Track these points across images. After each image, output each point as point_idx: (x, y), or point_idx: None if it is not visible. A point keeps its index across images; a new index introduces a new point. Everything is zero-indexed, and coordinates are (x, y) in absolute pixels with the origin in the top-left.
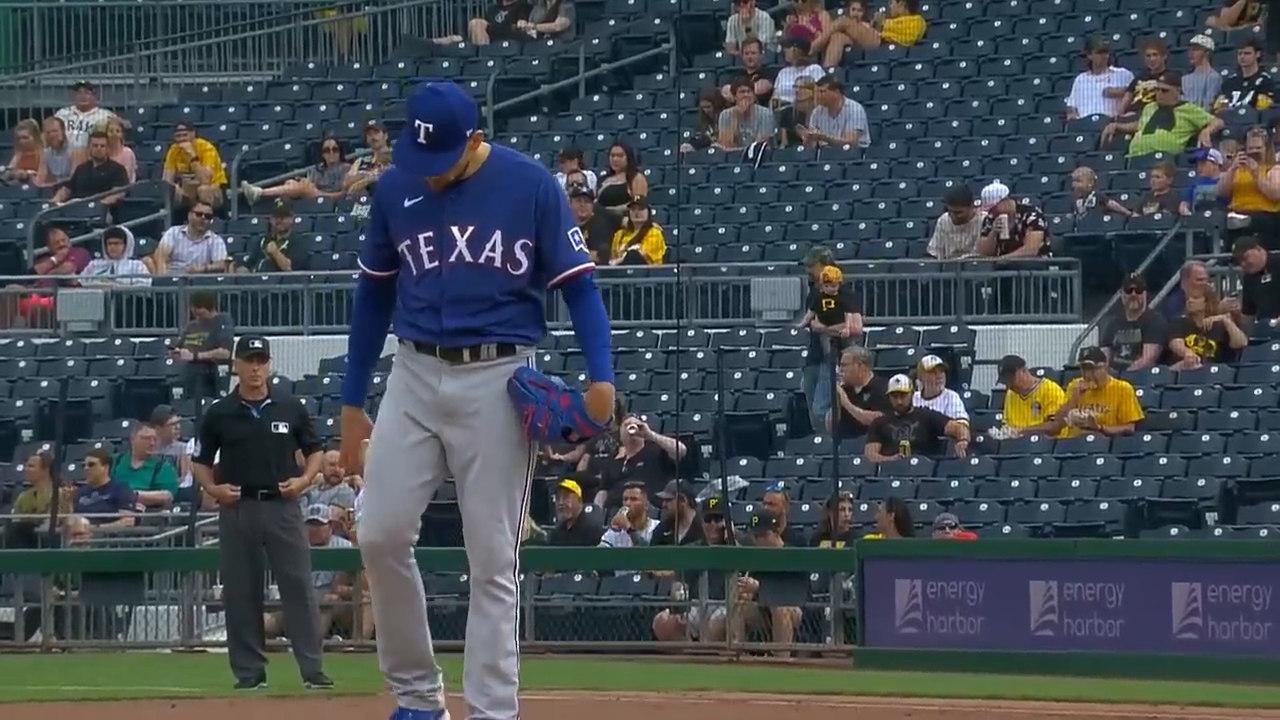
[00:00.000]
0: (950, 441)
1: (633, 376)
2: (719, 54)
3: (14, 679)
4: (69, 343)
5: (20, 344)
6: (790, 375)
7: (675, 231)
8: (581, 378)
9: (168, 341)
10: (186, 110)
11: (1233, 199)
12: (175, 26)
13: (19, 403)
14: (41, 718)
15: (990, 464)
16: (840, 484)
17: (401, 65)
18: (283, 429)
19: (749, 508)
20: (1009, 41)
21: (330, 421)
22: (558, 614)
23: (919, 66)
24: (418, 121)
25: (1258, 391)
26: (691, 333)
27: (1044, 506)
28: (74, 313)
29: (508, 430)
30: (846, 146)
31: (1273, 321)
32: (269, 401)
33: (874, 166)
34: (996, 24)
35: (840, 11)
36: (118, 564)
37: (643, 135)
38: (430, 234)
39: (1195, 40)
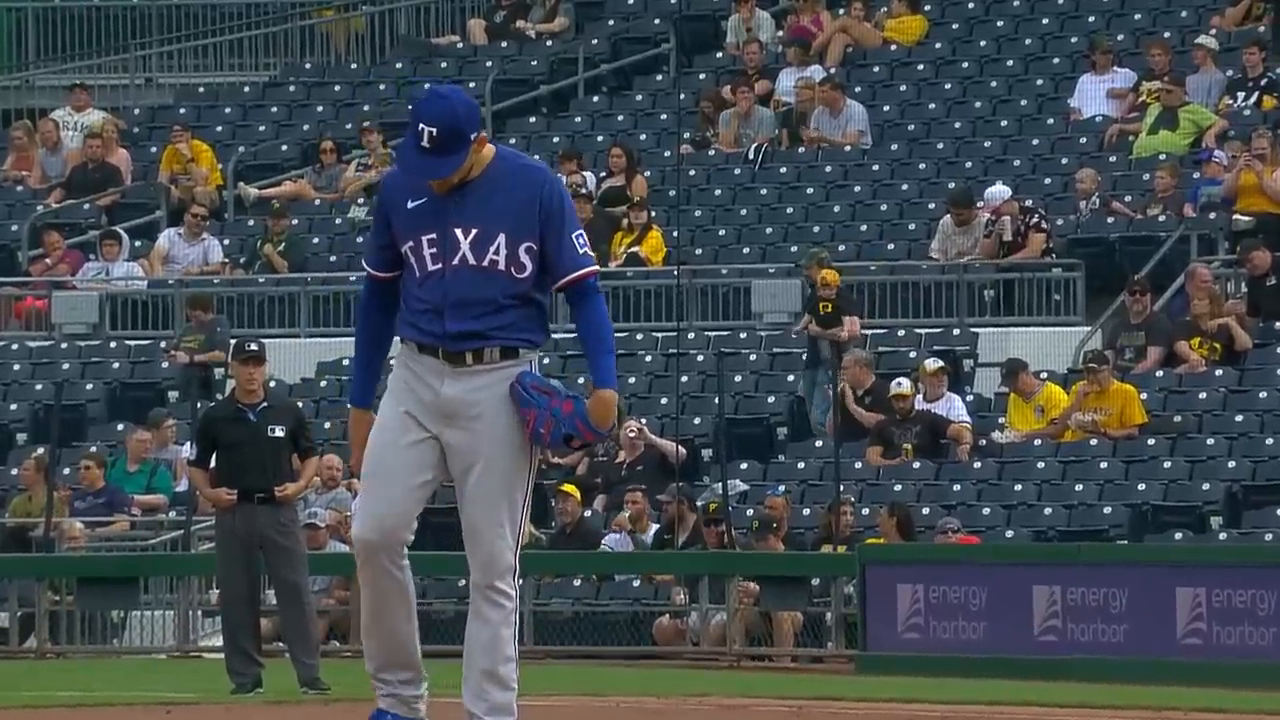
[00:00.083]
0: (952, 445)
1: (632, 379)
2: (719, 54)
3: (8, 685)
4: (64, 345)
5: (15, 347)
6: (791, 378)
7: (675, 233)
8: (580, 381)
9: (163, 344)
10: (182, 111)
11: (1237, 200)
12: (171, 26)
13: (13, 406)
14: None
15: (993, 468)
16: (841, 488)
17: (399, 65)
18: (279, 432)
19: (749, 512)
20: (1012, 41)
21: (327, 425)
22: (557, 619)
23: (921, 67)
24: (421, 125)
25: (1263, 395)
26: (691, 335)
27: (1047, 510)
28: (69, 315)
29: (509, 434)
30: (848, 147)
31: (1278, 324)
32: (265, 405)
33: (875, 168)
34: (999, 24)
35: (841, 11)
36: (113, 568)
37: (642, 136)
38: (434, 236)
39: (1200, 40)
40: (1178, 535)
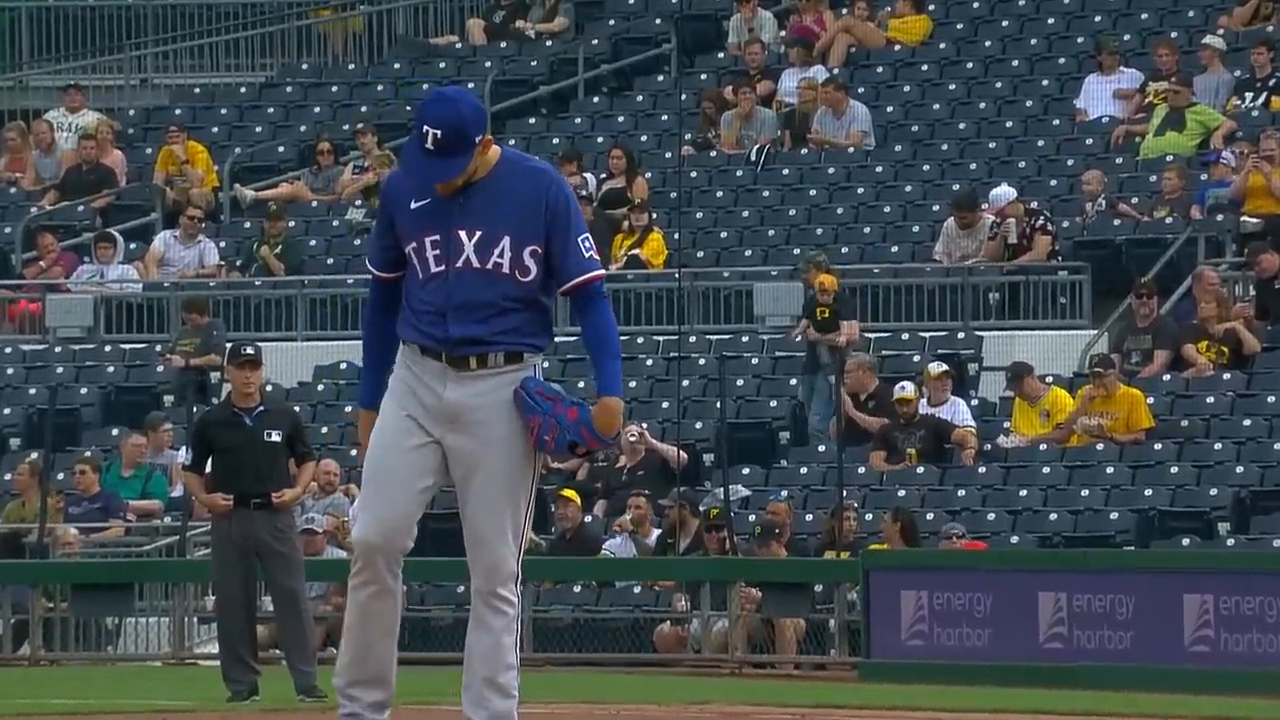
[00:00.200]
0: (957, 450)
1: (633, 383)
2: (721, 54)
3: (2, 693)
4: (58, 349)
5: (8, 350)
6: (794, 382)
7: (676, 235)
8: (581, 385)
9: (158, 348)
10: (178, 112)
11: (1245, 202)
12: (166, 26)
13: (7, 410)
14: None
15: (998, 473)
16: (845, 493)
17: (397, 66)
18: (275, 437)
19: (751, 517)
20: (1017, 42)
21: (324, 430)
22: (557, 626)
23: (925, 67)
24: (426, 127)
25: (1271, 399)
26: (693, 339)
27: (1053, 516)
28: (63, 318)
29: (513, 439)
30: (851, 149)
31: None
32: (261, 409)
33: (879, 169)
34: (1004, 24)
35: (845, 11)
36: (107, 575)
37: (643, 137)
38: (437, 237)
39: (1207, 40)
40: (1185, 541)
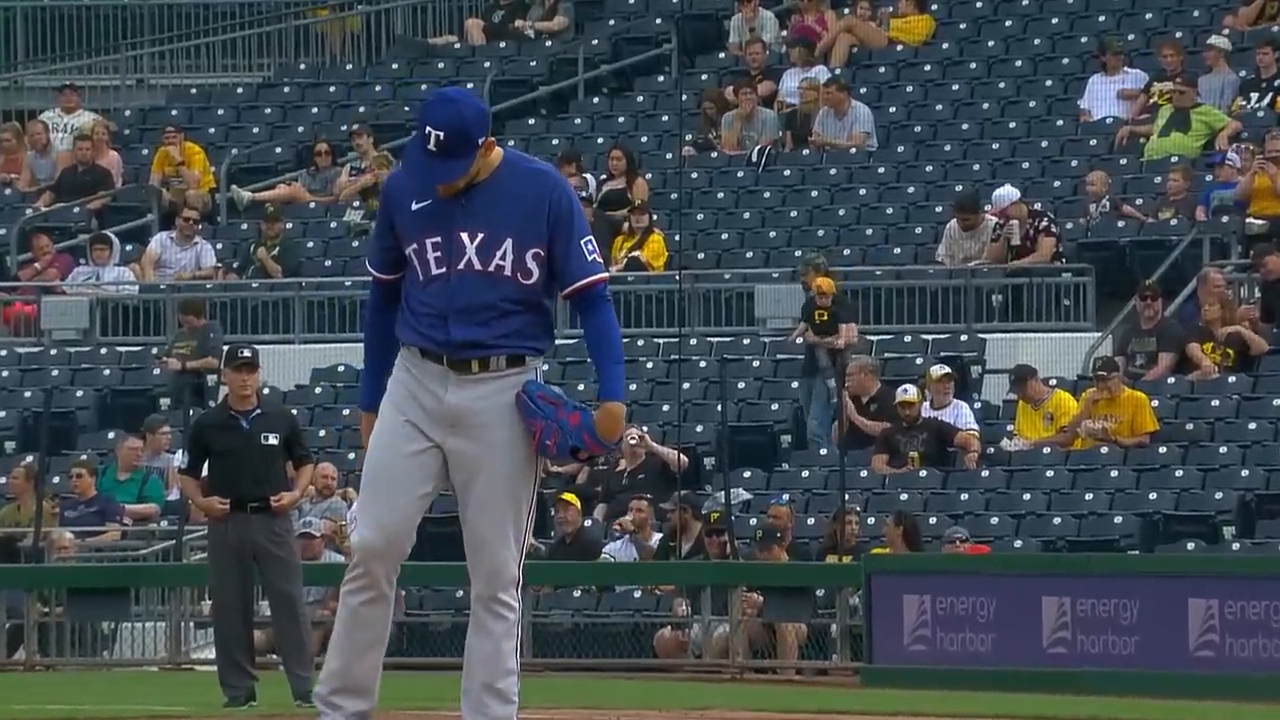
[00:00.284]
0: (960, 453)
1: (634, 386)
2: (722, 55)
3: None
4: (53, 351)
5: (3, 353)
6: (795, 385)
7: (677, 237)
8: (581, 387)
9: (155, 350)
10: (174, 112)
11: (1251, 204)
12: (162, 26)
13: (2, 413)
14: None
15: (1001, 476)
16: (847, 497)
17: (395, 66)
18: (272, 440)
19: (753, 521)
20: (1020, 42)
21: (322, 433)
22: (556, 630)
23: (928, 67)
24: (429, 128)
25: (1276, 402)
26: (694, 341)
27: (1056, 520)
28: (58, 321)
29: (514, 443)
30: (853, 150)
31: None
32: (258, 412)
33: (881, 170)
34: (1008, 24)
35: (846, 11)
36: (103, 579)
37: (644, 138)
38: (438, 239)
39: (1212, 41)
40: (1190, 545)
